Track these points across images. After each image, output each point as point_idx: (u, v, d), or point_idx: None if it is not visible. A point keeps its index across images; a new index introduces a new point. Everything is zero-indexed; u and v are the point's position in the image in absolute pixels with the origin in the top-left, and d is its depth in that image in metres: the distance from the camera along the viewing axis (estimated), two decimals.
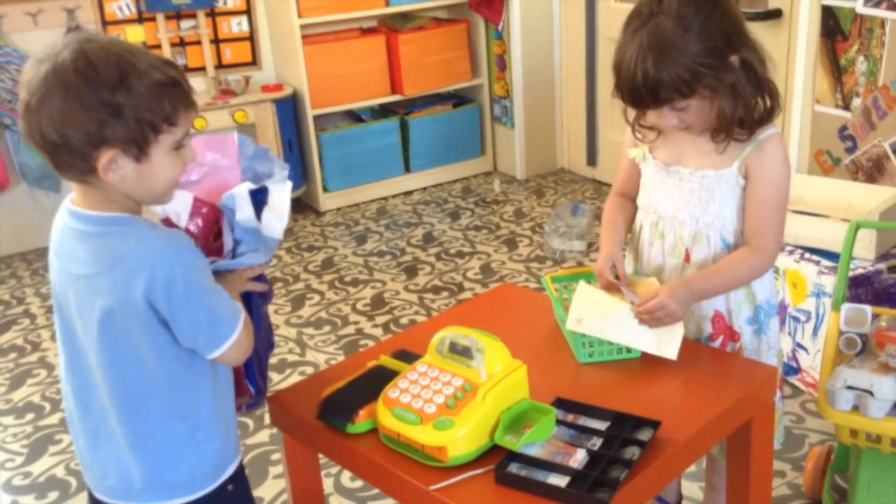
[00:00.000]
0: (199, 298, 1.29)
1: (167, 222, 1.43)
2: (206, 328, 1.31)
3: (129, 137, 1.22)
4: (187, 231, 1.41)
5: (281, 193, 1.47)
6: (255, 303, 1.47)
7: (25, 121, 1.23)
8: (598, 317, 1.59)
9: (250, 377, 1.51)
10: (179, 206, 1.42)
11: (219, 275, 1.38)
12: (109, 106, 1.20)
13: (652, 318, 1.56)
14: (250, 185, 1.44)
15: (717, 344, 1.74)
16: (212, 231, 1.44)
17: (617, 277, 1.67)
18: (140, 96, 1.21)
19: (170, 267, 1.25)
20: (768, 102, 1.60)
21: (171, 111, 1.25)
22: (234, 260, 1.42)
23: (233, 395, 1.46)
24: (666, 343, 1.58)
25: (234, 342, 1.33)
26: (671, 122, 1.61)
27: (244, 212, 1.42)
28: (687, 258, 1.71)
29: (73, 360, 1.37)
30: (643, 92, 1.53)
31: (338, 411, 1.45)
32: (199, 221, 1.43)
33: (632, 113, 1.71)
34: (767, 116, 1.61)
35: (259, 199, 1.44)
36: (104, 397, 1.34)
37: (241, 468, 1.46)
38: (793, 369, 2.61)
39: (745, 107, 1.57)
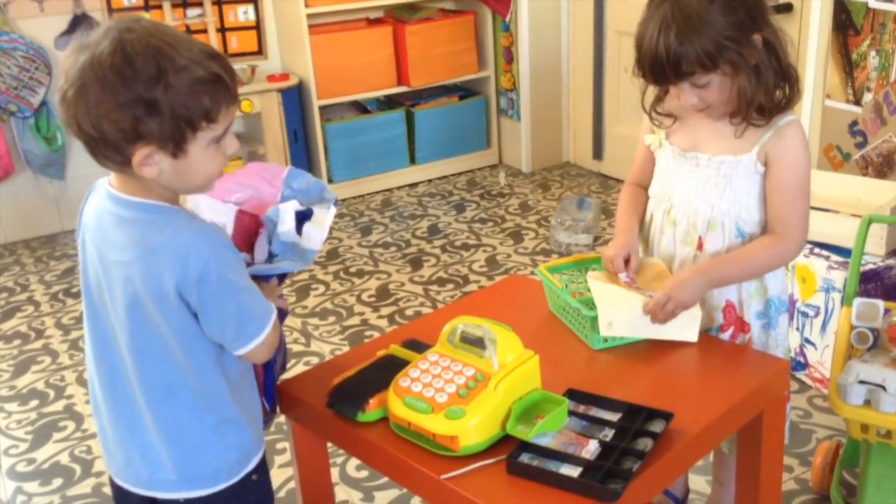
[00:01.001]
0: (231, 295, 1.27)
1: None
2: (235, 326, 1.29)
3: (165, 134, 1.20)
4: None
5: (325, 213, 1.48)
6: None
7: (63, 109, 1.22)
8: (626, 319, 1.59)
9: (267, 394, 1.51)
10: (224, 218, 1.43)
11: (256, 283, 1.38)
12: (145, 102, 1.17)
13: (665, 313, 1.56)
14: (297, 205, 1.46)
15: (727, 335, 1.73)
16: (249, 241, 1.46)
17: (627, 264, 1.67)
18: (177, 93, 1.18)
19: (204, 261, 1.24)
20: (787, 89, 1.59)
21: (210, 107, 1.22)
22: (270, 265, 1.42)
23: (256, 388, 1.45)
24: (685, 328, 1.59)
25: (261, 342, 1.32)
26: (691, 100, 1.58)
27: (286, 225, 1.44)
28: (700, 246, 1.70)
29: (100, 346, 1.35)
30: (665, 65, 1.51)
31: (348, 400, 1.44)
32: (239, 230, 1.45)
33: (649, 100, 1.69)
34: (787, 103, 1.60)
35: (302, 220, 1.46)
36: (133, 383, 1.33)
37: (263, 458, 1.45)
38: (800, 364, 2.60)
39: (765, 90, 1.56)
